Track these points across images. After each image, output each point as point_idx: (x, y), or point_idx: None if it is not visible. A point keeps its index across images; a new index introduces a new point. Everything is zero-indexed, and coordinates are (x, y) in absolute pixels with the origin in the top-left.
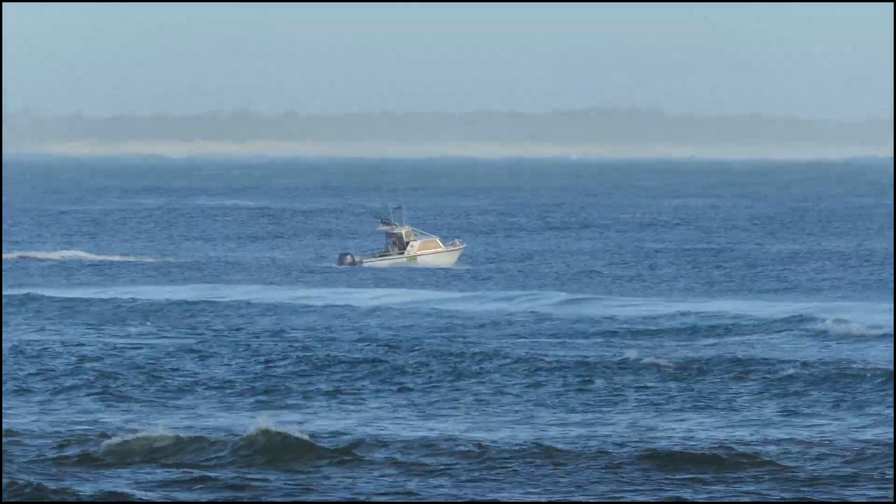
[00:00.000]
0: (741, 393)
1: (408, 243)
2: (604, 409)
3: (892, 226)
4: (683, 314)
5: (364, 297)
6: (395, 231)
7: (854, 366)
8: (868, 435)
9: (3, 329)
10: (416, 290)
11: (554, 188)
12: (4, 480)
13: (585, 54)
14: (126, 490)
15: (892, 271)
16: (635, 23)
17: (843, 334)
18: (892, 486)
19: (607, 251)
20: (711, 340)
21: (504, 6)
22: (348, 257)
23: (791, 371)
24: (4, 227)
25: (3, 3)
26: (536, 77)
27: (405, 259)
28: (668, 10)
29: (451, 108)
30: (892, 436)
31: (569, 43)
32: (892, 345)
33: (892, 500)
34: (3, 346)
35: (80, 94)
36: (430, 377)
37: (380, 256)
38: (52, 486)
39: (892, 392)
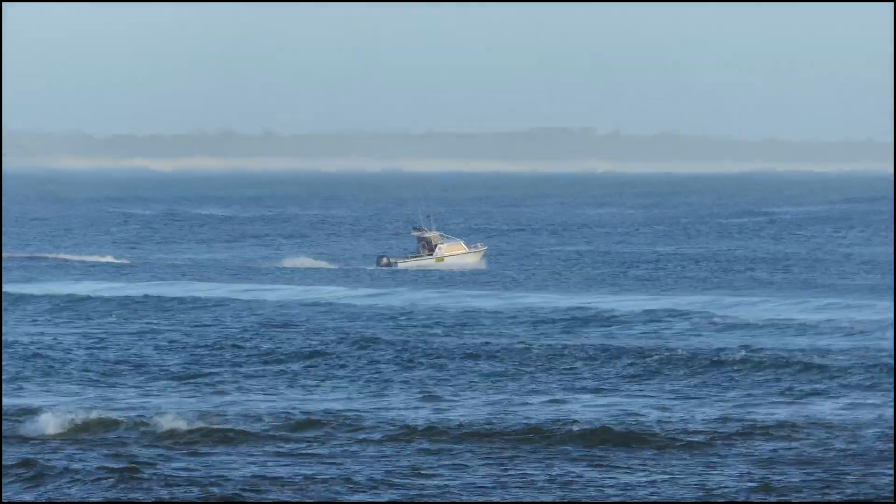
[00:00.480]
0: (628, 375)
1: (436, 246)
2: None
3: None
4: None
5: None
6: (425, 235)
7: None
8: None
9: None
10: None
11: (482, 198)
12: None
13: (525, 80)
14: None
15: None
16: (566, 54)
17: (706, 325)
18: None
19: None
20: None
21: (452, 39)
22: (384, 259)
23: (658, 356)
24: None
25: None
26: (485, 100)
27: (434, 260)
28: (598, 41)
29: (410, 129)
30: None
31: (510, 70)
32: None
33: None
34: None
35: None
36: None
37: (412, 258)
38: None
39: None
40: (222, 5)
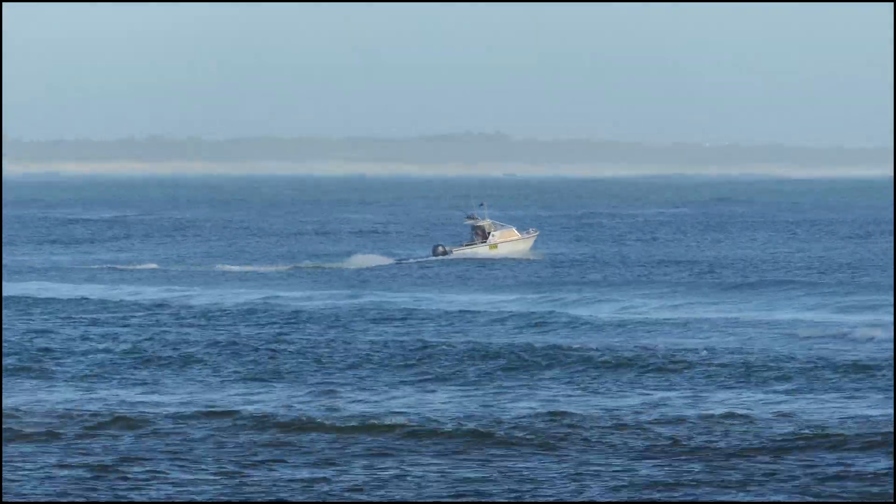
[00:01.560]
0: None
1: (489, 234)
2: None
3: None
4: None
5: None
6: (478, 224)
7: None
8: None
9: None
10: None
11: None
12: None
13: (444, 87)
14: None
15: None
16: (480, 65)
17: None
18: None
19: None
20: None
21: (378, 47)
22: (440, 248)
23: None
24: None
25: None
26: (404, 106)
27: (488, 248)
28: (510, 49)
29: (334, 134)
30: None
31: (430, 77)
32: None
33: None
34: None
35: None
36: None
37: (466, 246)
38: None
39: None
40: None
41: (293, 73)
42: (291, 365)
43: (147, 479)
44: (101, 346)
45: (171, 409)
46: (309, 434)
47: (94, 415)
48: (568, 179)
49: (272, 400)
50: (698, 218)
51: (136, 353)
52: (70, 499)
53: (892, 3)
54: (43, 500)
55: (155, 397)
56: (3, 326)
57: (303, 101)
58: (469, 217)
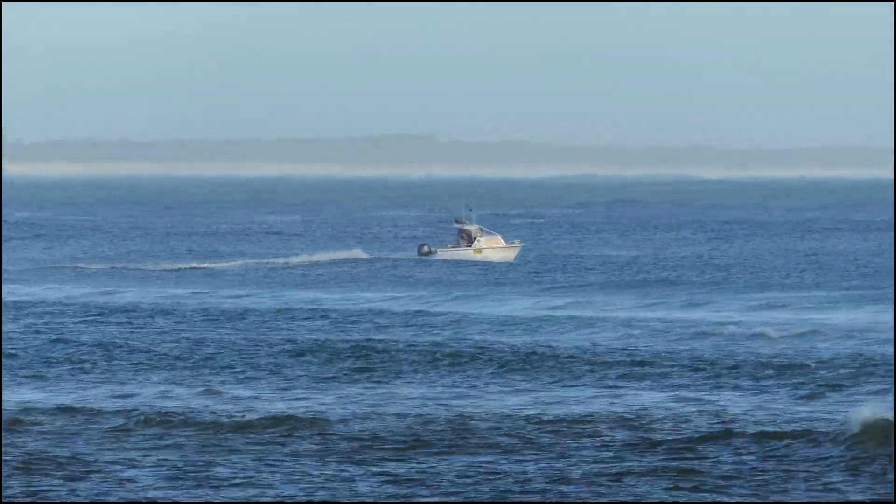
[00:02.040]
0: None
1: (475, 239)
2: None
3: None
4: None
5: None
6: (465, 228)
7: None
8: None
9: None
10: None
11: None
12: None
13: (377, 90)
14: None
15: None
16: (408, 66)
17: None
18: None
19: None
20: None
21: (303, 48)
22: (425, 247)
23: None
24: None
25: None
26: (338, 108)
27: (472, 252)
28: (436, 52)
29: (266, 136)
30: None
31: (359, 81)
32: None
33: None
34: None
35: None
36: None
37: (451, 248)
38: None
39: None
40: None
41: (230, 76)
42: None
43: None
44: None
45: None
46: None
47: None
48: (492, 180)
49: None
50: (592, 217)
51: None
52: None
53: (891, 4)
54: None
55: None
56: None
57: (240, 102)
58: (457, 221)
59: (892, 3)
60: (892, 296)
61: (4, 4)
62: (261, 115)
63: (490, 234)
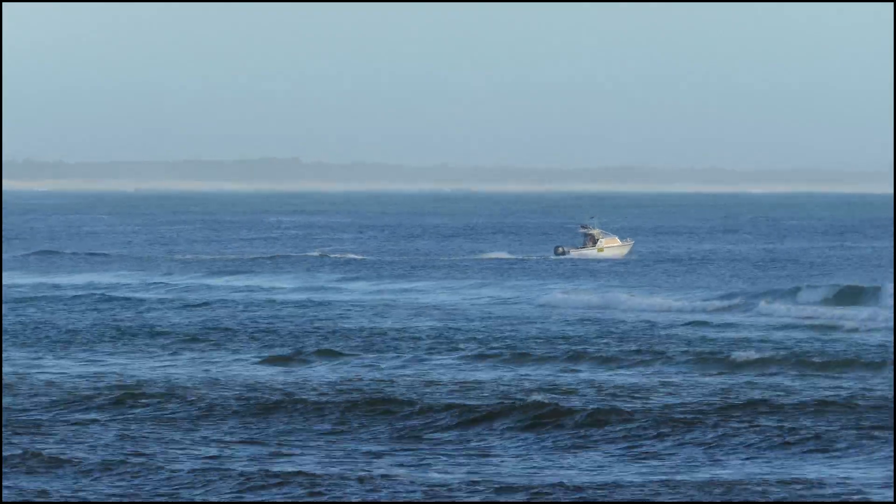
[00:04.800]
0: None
1: (598, 240)
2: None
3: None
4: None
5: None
6: (590, 232)
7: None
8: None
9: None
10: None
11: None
12: None
13: (253, 113)
14: None
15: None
16: (281, 91)
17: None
18: None
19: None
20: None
21: (204, 72)
22: (560, 249)
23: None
24: None
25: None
26: (227, 134)
27: (596, 251)
28: (311, 75)
29: (167, 158)
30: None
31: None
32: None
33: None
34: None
35: None
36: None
37: (579, 248)
38: None
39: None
40: None
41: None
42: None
43: None
44: None
45: None
46: None
47: None
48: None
49: None
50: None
51: None
52: None
53: (892, 4)
54: None
55: None
56: None
57: (150, 125)
58: (583, 226)
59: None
60: None
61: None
62: (160, 139)
63: (609, 235)
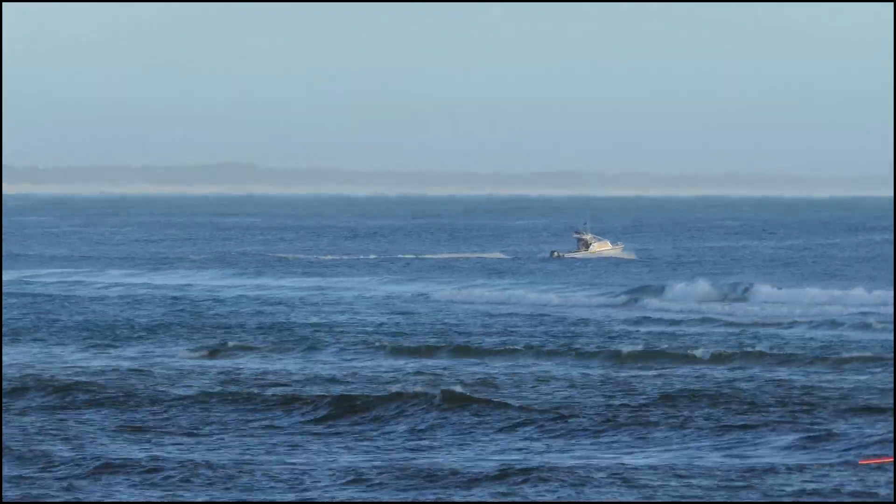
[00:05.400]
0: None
1: (589, 244)
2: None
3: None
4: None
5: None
6: (583, 236)
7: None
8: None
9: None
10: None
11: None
12: None
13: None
14: None
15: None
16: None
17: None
18: None
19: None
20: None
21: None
22: (555, 252)
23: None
24: None
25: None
26: (183, 140)
27: (589, 253)
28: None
29: (132, 162)
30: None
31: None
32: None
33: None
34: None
35: None
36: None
37: (573, 252)
38: None
39: None
40: None
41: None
42: None
43: None
44: None
45: None
46: None
47: None
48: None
49: None
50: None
51: None
52: None
53: (891, 4)
54: None
55: None
56: None
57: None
58: (576, 232)
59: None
60: None
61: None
62: (131, 146)
63: (600, 239)
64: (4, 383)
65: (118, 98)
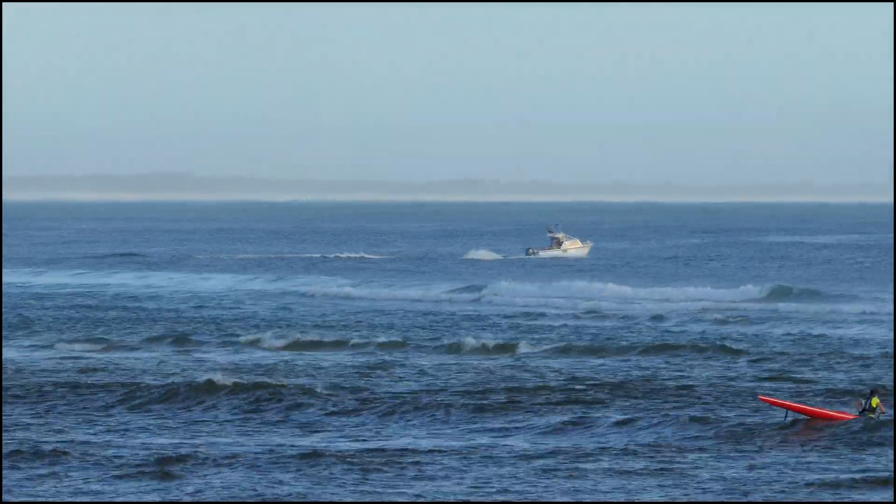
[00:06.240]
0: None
1: (562, 242)
2: None
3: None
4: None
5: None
6: (555, 235)
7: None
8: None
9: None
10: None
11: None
12: None
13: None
14: None
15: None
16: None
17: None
18: None
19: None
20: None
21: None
22: (531, 249)
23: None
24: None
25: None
26: (124, 151)
27: (561, 251)
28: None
29: (81, 172)
30: None
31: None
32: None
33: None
34: None
35: None
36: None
37: (547, 249)
38: None
39: None
40: None
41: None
42: None
43: None
44: None
45: None
46: None
47: None
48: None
49: None
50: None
51: None
52: None
53: (891, 4)
54: None
55: None
56: None
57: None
58: (550, 231)
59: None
60: None
61: None
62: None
63: (571, 238)
64: None
65: (63, 112)
